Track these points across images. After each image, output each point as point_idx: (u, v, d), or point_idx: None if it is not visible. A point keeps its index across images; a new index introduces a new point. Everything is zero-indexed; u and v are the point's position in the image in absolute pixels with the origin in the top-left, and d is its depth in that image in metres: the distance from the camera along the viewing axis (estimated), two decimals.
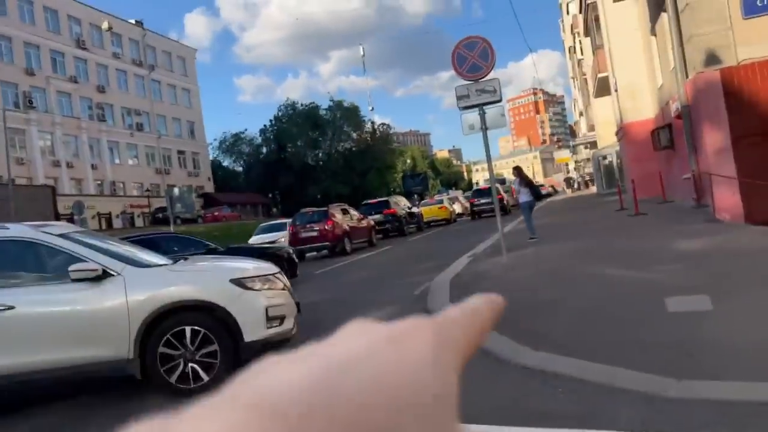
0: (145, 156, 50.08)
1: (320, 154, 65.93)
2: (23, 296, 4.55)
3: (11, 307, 4.45)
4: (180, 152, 53.93)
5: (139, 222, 42.25)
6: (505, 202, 26.17)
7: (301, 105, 65.31)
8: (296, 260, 12.43)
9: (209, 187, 56.33)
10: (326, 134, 64.80)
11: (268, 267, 5.39)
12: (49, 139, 41.34)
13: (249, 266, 5.31)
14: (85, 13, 45.33)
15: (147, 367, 4.59)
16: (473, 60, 8.57)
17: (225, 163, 67.23)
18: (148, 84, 50.94)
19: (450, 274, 8.84)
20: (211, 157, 61.27)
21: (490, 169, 9.56)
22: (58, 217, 34.04)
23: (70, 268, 4.50)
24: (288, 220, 21.53)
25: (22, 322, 4.48)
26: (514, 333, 4.78)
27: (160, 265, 5.12)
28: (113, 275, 4.64)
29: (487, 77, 8.68)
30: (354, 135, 66.82)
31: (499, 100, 8.82)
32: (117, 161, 47.09)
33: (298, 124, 63.36)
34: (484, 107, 8.73)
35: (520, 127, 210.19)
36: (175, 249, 11.12)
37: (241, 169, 67.76)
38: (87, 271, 4.53)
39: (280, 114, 65.81)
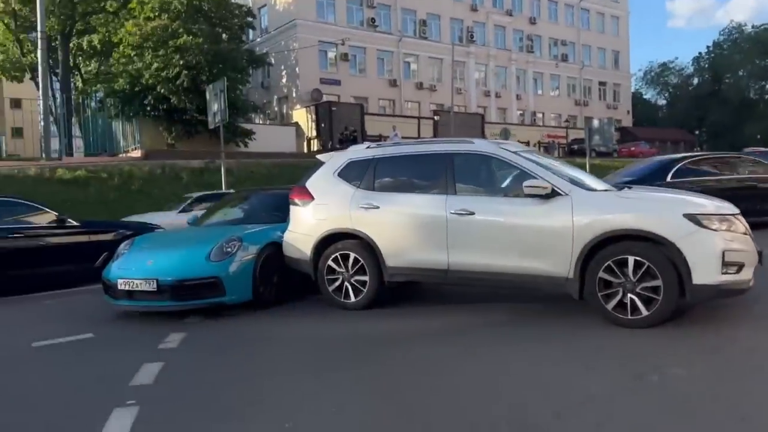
0: (566, 87, 50.61)
1: (767, 86, 55.37)
2: (482, 204, 5.08)
3: (472, 213, 5.02)
4: (601, 83, 52.65)
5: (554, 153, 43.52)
6: None
7: (752, 27, 55.28)
8: None
9: (627, 121, 53.78)
10: None
11: (728, 206, 4.72)
12: (483, 71, 45.52)
13: (706, 202, 4.74)
14: None
15: (584, 289, 4.63)
16: None
17: (646, 96, 62.94)
18: (577, 13, 50.59)
19: None
20: (632, 90, 58.03)
21: None
22: None
23: (524, 184, 4.78)
24: None
25: (480, 227, 5.02)
26: None
27: (607, 191, 5.01)
28: (561, 195, 4.74)
29: None
30: None
31: None
32: (539, 92, 48.95)
33: (743, 50, 54.24)
34: None
35: None
36: None
37: (664, 102, 62.41)
38: (539, 188, 4.74)
39: (720, 39, 57.37)
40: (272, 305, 5.94)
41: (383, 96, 40.37)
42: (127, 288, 5.56)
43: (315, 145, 33.74)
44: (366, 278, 5.56)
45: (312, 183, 5.96)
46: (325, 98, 35.29)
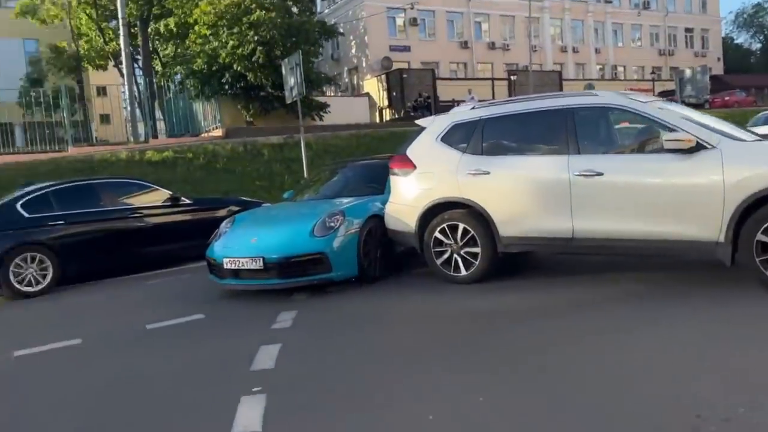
0: (649, 36, 47.40)
1: None
2: (611, 163, 4.56)
3: (600, 174, 4.51)
4: (687, 30, 48.92)
5: None
6: None
7: None
8: None
9: (717, 69, 49.78)
10: None
11: None
12: (559, 26, 43.31)
13: None
14: None
15: (738, 254, 4.07)
16: None
17: (738, 41, 58.12)
18: None
19: None
20: (722, 35, 53.65)
21: None
22: None
23: (665, 138, 4.23)
24: None
25: (610, 189, 4.51)
26: None
27: (759, 141, 4.37)
28: (707, 148, 4.16)
29: None
30: None
31: None
32: (620, 44, 46.12)
33: None
34: None
35: None
36: None
37: (759, 45, 57.43)
38: (682, 142, 4.17)
39: None
40: (377, 280, 5.71)
41: (454, 59, 39.26)
42: (233, 267, 5.46)
43: (387, 115, 33.38)
44: (477, 250, 5.19)
45: (413, 150, 5.60)
46: (395, 66, 34.68)
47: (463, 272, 5.28)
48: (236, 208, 7.97)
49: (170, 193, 8.28)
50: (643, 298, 4.36)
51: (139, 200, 8.13)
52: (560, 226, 4.73)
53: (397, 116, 32.64)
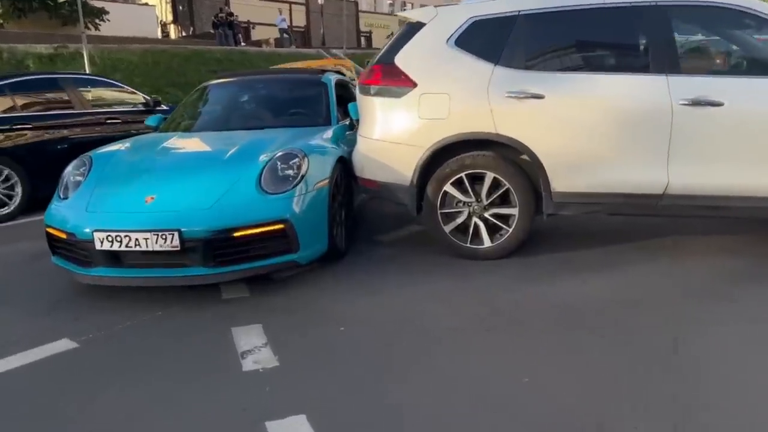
0: None
1: None
2: (734, 89, 3.23)
3: (718, 104, 3.18)
4: None
5: None
6: None
7: None
8: None
9: None
10: None
11: None
12: None
13: None
14: None
15: None
16: None
17: None
18: None
19: None
20: None
21: None
22: (358, 32, 36.35)
23: None
24: None
25: (733, 126, 3.21)
26: None
27: None
28: None
29: None
30: None
31: None
32: None
33: None
34: None
35: None
36: None
37: None
38: None
39: None
40: (343, 257, 3.79)
41: None
42: (113, 247, 3.03)
43: (173, 31, 29.02)
44: (512, 211, 3.59)
45: (408, 59, 3.64)
46: None
47: (487, 243, 3.64)
48: None
49: (148, 97, 7.02)
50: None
51: (113, 102, 6.76)
52: (649, 178, 3.33)
53: (185, 34, 28.56)
